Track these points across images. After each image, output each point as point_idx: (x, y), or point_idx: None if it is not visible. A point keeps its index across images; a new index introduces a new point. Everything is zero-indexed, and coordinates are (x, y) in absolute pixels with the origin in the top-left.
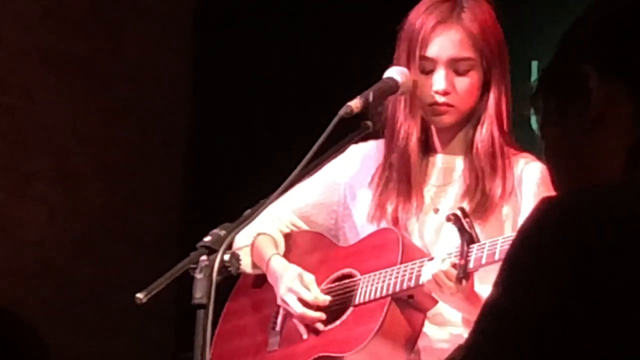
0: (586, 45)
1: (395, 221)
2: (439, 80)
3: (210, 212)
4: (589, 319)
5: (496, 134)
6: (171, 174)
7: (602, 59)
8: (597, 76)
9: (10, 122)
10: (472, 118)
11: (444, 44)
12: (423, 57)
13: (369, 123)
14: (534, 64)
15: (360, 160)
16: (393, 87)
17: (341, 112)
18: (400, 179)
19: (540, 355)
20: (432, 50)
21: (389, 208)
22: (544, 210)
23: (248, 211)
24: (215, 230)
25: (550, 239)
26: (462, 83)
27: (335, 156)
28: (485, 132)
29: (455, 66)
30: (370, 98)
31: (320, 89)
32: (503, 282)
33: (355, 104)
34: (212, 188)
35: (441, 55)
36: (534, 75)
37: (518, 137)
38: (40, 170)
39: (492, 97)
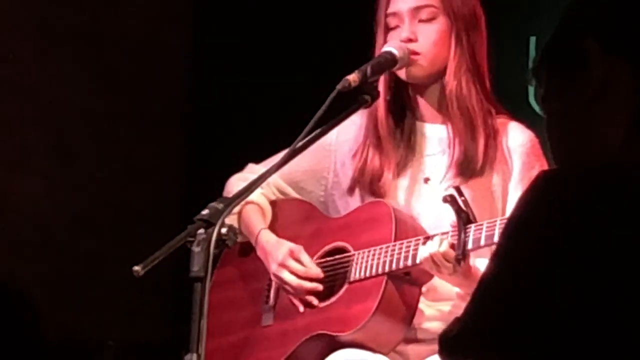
0: (589, 19)
1: (371, 187)
2: (403, 30)
3: (208, 185)
4: (585, 293)
5: (472, 89)
6: (169, 147)
7: (604, 34)
8: (599, 51)
9: (7, 96)
10: (445, 74)
11: None
12: (388, 15)
13: (367, 97)
14: (532, 40)
15: (354, 128)
16: (391, 60)
17: (339, 86)
18: (376, 148)
19: (536, 329)
20: (395, 5)
21: (366, 174)
22: (541, 185)
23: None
24: (212, 204)
25: (547, 213)
26: (426, 30)
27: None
28: (458, 85)
29: (419, 15)
30: (369, 72)
31: (320, 61)
32: (500, 257)
33: (353, 77)
34: (211, 161)
35: (403, 7)
36: (532, 51)
37: (515, 111)
38: (37, 144)
39: (463, 48)
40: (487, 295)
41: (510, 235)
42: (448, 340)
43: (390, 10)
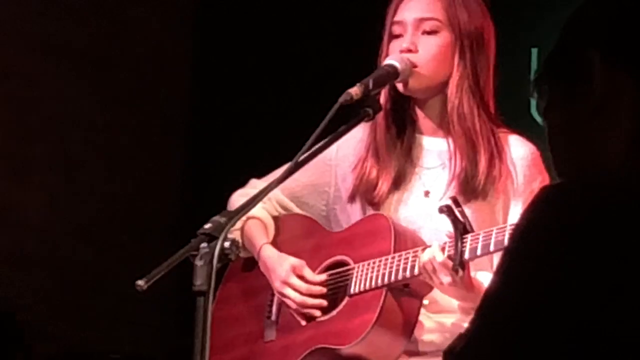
0: (592, 31)
1: (367, 196)
2: (404, 40)
3: (211, 199)
4: (590, 307)
5: (474, 108)
6: (172, 160)
7: (607, 46)
8: (602, 63)
9: (12, 110)
10: (446, 88)
11: (412, 6)
12: (394, 23)
13: (369, 110)
14: (534, 51)
15: (354, 143)
16: (392, 73)
17: (341, 99)
18: (375, 158)
19: (542, 344)
20: (401, 14)
21: (363, 183)
22: (544, 200)
23: (240, 192)
24: (215, 218)
25: (551, 228)
26: (428, 42)
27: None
28: (460, 103)
29: (422, 27)
30: (370, 85)
31: (322, 74)
32: (504, 271)
33: (355, 91)
34: (213, 175)
35: (408, 17)
36: (534, 62)
37: (517, 122)
38: (41, 157)
39: (466, 66)
40: (491, 311)
41: (514, 250)
42: (453, 356)
43: (396, 18)
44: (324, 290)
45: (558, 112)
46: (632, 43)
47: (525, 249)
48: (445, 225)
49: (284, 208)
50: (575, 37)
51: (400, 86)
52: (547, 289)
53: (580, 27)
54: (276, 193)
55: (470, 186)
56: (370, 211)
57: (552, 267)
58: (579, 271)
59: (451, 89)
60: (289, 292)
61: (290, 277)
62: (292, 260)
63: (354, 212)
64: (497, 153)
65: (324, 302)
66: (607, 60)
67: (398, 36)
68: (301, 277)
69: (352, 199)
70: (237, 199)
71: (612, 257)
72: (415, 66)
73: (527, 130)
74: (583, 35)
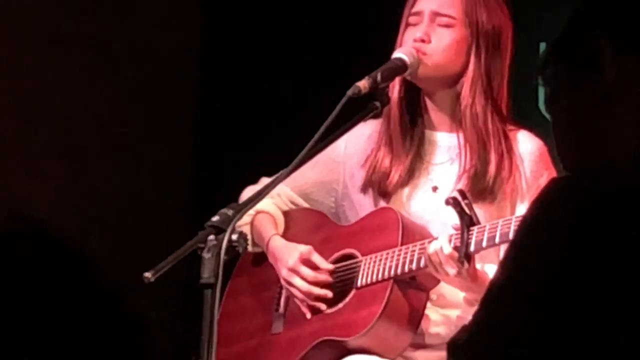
0: (601, 19)
1: (383, 191)
2: (419, 29)
3: (218, 191)
4: (595, 297)
5: (487, 108)
6: (179, 153)
7: (617, 34)
8: (612, 51)
9: (19, 101)
10: (457, 85)
11: None
12: (411, 14)
13: (377, 104)
14: (542, 45)
15: (363, 139)
16: (401, 67)
17: (349, 92)
18: (388, 147)
19: (546, 334)
20: (419, 5)
21: (376, 172)
22: (552, 192)
23: (251, 188)
24: (223, 210)
25: (557, 220)
26: (441, 34)
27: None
28: (472, 102)
29: (437, 20)
30: (379, 78)
31: (329, 67)
32: (509, 263)
33: (363, 84)
34: (221, 168)
35: (425, 8)
36: None
37: (525, 117)
38: (48, 149)
39: (481, 65)
40: (495, 303)
41: (520, 242)
42: (457, 348)
43: (414, 9)
44: (330, 279)
45: (565, 100)
46: None
47: (531, 241)
48: (453, 220)
49: (294, 204)
50: (583, 24)
51: (409, 75)
52: (552, 281)
53: (589, 14)
54: (285, 190)
55: (480, 185)
56: (381, 203)
57: (557, 259)
58: (584, 263)
59: (465, 88)
60: (295, 280)
61: (298, 265)
62: (301, 248)
63: (364, 206)
64: (507, 154)
65: (329, 293)
66: (617, 47)
67: (414, 25)
68: (309, 262)
69: (364, 189)
70: (248, 194)
71: (618, 249)
72: (424, 54)
73: (535, 125)
74: (591, 22)
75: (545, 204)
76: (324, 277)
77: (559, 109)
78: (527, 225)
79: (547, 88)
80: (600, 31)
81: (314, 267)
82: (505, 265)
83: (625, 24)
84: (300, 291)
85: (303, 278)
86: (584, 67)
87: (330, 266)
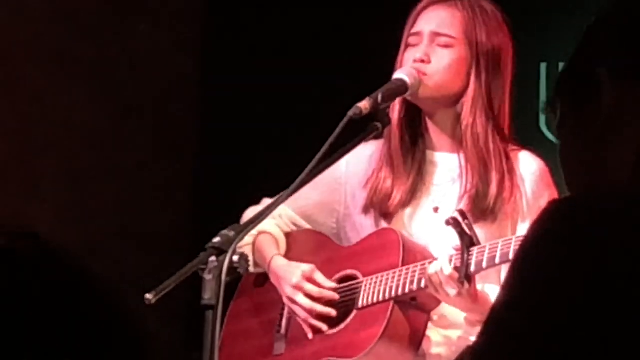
0: (600, 49)
1: (385, 212)
2: (418, 50)
3: (219, 213)
4: (599, 320)
5: (488, 128)
6: (180, 174)
7: (615, 63)
8: (610, 80)
9: (20, 123)
10: (458, 105)
11: (430, 19)
12: (411, 34)
13: (378, 124)
14: (543, 66)
15: (364, 160)
16: (402, 87)
17: (350, 113)
18: (389, 168)
19: (550, 356)
20: (419, 25)
21: (378, 193)
22: (553, 213)
23: (253, 209)
24: (224, 231)
25: (559, 241)
26: (441, 55)
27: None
28: (474, 122)
29: (437, 40)
30: (380, 99)
31: (330, 88)
32: (512, 284)
33: (364, 105)
34: (222, 189)
35: (425, 28)
36: (543, 77)
37: (526, 137)
38: (49, 171)
39: (481, 85)
40: (498, 325)
41: (522, 263)
42: None
43: (414, 30)
44: (335, 296)
45: (569, 130)
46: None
47: (532, 260)
48: (454, 241)
49: (296, 225)
50: (584, 53)
51: (409, 96)
52: (555, 303)
53: (589, 44)
54: (287, 211)
55: (482, 205)
56: (382, 224)
57: (560, 280)
58: (587, 284)
59: (466, 108)
60: (299, 297)
61: (301, 282)
62: (303, 267)
63: (366, 227)
64: (508, 174)
65: (332, 311)
66: (615, 74)
67: (414, 46)
68: (312, 281)
69: (366, 210)
70: (250, 215)
71: (621, 269)
72: (424, 74)
73: (536, 145)
74: (591, 51)
75: (547, 224)
76: (328, 294)
77: (563, 138)
78: (529, 246)
79: (554, 119)
80: (598, 58)
81: (318, 285)
82: (508, 287)
83: (623, 50)
84: (304, 308)
85: (307, 295)
86: (585, 96)
87: (334, 284)
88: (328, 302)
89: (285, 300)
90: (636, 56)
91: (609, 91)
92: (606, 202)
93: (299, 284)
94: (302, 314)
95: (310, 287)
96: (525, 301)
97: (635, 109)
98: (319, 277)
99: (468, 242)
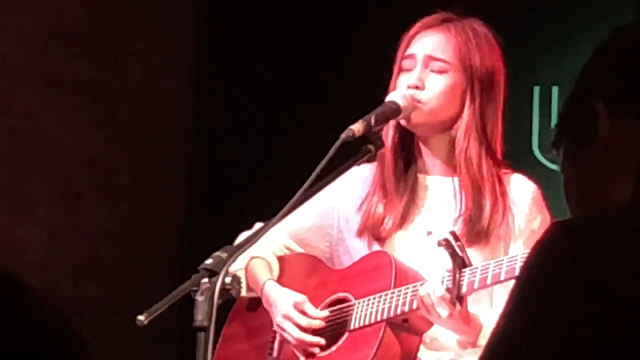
0: (597, 79)
1: (378, 236)
2: (412, 76)
3: (212, 234)
4: (601, 342)
5: (482, 153)
6: (173, 196)
7: (610, 92)
8: (605, 109)
9: (13, 144)
10: (452, 130)
11: (424, 43)
12: (405, 57)
13: (371, 147)
14: (536, 89)
15: (357, 183)
16: (395, 110)
17: (343, 135)
18: (382, 191)
19: None
20: (413, 48)
21: (370, 218)
22: (553, 235)
23: (245, 233)
24: (216, 253)
25: (560, 263)
26: (435, 81)
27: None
28: (467, 147)
29: (431, 66)
30: (373, 121)
31: (323, 111)
32: (513, 308)
33: (357, 127)
34: (214, 211)
35: (418, 52)
36: (536, 101)
37: (519, 159)
38: (42, 193)
39: (475, 109)
40: (499, 349)
41: (523, 286)
42: None
43: (407, 52)
44: (323, 324)
45: (571, 162)
46: (634, 88)
47: (534, 283)
48: (447, 264)
49: (289, 249)
50: (581, 89)
51: (403, 121)
52: (558, 323)
53: (586, 79)
54: (280, 235)
55: (476, 229)
56: (375, 247)
57: (562, 300)
58: (589, 304)
59: (460, 132)
60: (288, 326)
61: (291, 311)
62: (295, 296)
63: (359, 250)
64: (501, 197)
65: (322, 341)
66: (611, 104)
67: (407, 70)
68: (303, 313)
69: (360, 234)
70: (242, 238)
71: (623, 289)
72: (419, 102)
73: (528, 169)
74: (588, 83)
75: (546, 248)
76: (317, 323)
77: (566, 169)
78: (528, 269)
79: (559, 154)
80: (594, 90)
81: (307, 317)
82: (508, 311)
83: (618, 81)
84: (293, 338)
85: (296, 324)
86: (583, 127)
87: (324, 313)
88: (317, 330)
89: (275, 327)
90: (629, 84)
91: (603, 120)
92: (605, 225)
93: (288, 314)
94: (292, 341)
95: (299, 317)
96: (526, 326)
97: (631, 137)
98: (309, 308)
99: (460, 263)
